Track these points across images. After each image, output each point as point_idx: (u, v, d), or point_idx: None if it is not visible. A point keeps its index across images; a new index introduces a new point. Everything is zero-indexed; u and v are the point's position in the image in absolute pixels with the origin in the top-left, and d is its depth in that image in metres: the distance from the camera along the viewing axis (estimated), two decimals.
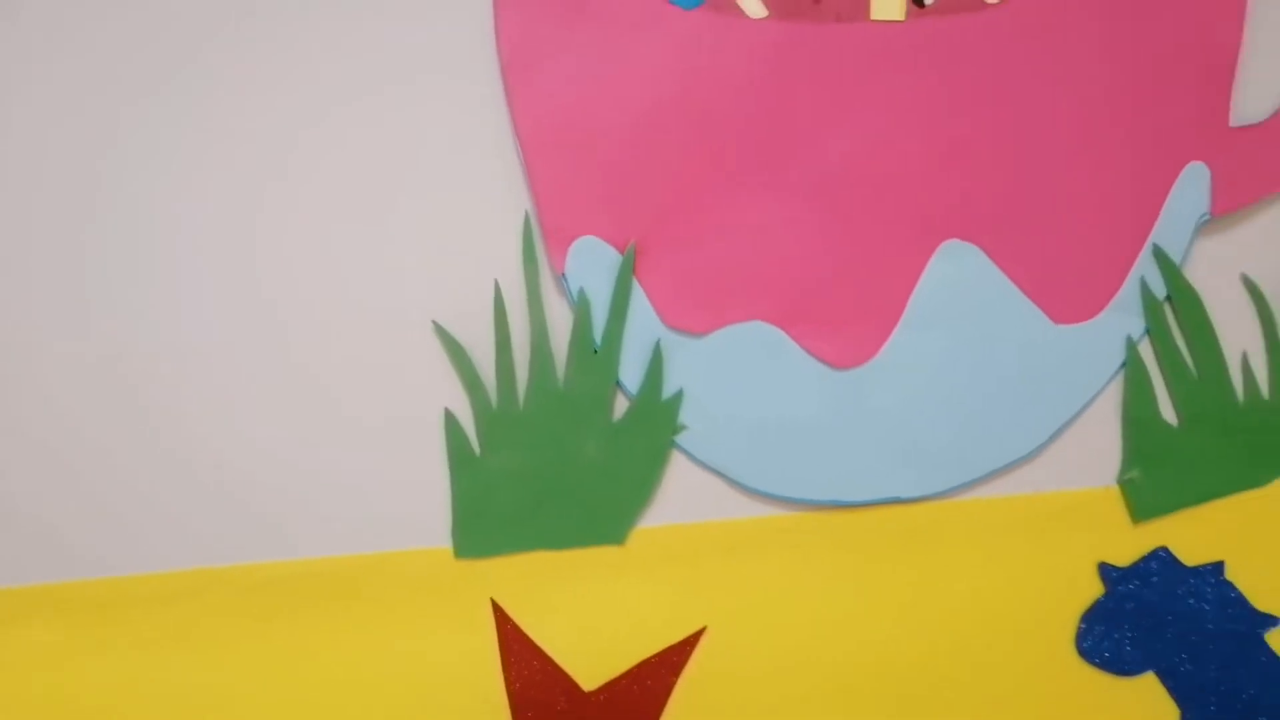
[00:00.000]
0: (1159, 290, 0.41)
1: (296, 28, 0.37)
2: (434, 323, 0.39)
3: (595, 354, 0.39)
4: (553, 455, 0.39)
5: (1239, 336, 0.42)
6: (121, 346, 0.38)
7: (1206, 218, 0.41)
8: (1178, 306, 0.41)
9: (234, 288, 0.38)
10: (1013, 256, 0.40)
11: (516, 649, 0.39)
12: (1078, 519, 0.42)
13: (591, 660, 0.40)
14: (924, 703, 0.42)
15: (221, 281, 0.38)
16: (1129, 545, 0.42)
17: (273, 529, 0.39)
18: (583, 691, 0.40)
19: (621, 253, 0.39)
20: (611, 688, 0.40)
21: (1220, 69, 0.40)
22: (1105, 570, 0.42)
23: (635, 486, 0.40)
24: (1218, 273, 0.41)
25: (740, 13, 0.38)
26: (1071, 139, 0.40)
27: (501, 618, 0.39)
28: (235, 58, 0.37)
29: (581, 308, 0.39)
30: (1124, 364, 0.41)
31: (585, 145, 0.38)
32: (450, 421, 0.39)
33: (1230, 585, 0.43)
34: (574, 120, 0.38)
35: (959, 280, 0.40)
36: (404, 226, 0.39)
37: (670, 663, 0.40)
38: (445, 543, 0.40)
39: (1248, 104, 0.40)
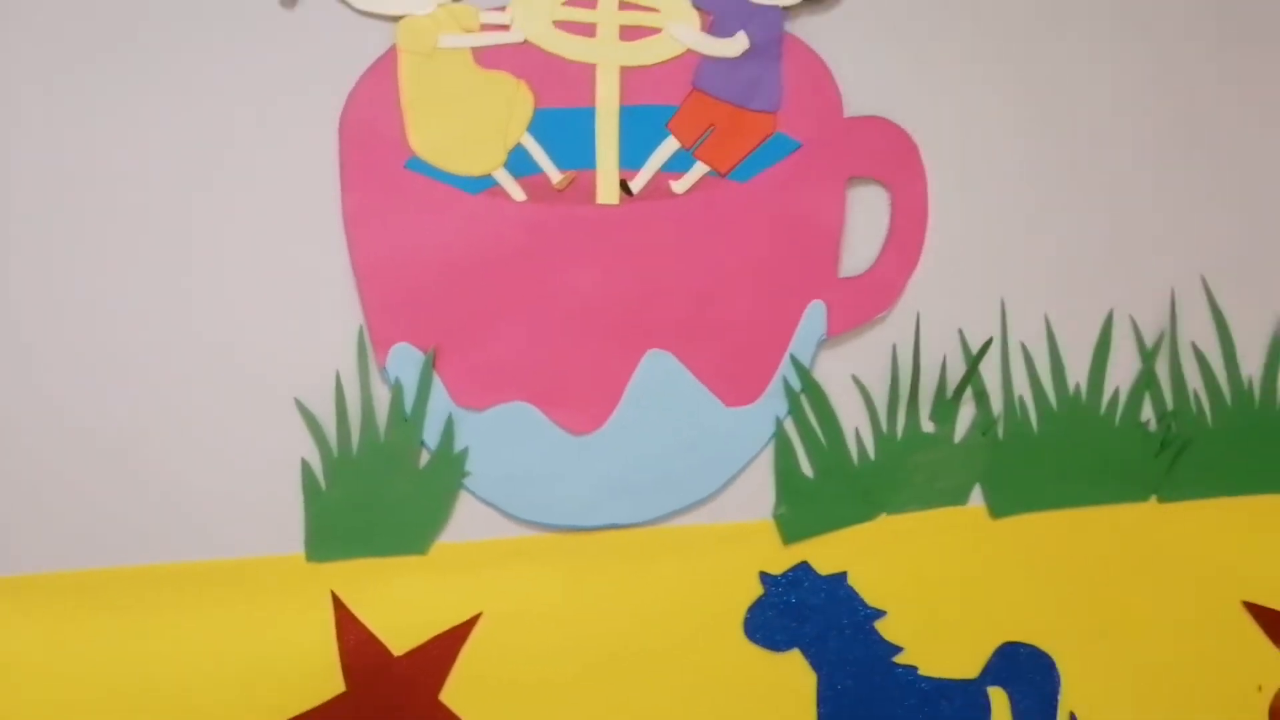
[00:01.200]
0: (795, 385, 0.62)
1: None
2: (296, 400, 0.58)
3: (406, 421, 0.59)
4: (376, 490, 0.59)
5: (850, 415, 0.63)
6: None
7: (824, 337, 0.63)
8: (809, 396, 0.63)
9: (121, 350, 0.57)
10: (696, 360, 0.62)
11: (347, 625, 0.58)
12: (746, 541, 0.63)
13: (401, 634, 0.59)
14: (642, 674, 0.62)
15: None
16: (782, 560, 0.63)
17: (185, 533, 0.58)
18: (393, 655, 0.59)
19: (425, 354, 0.59)
20: (414, 653, 0.59)
21: (831, 242, 0.62)
22: (764, 578, 0.63)
23: (434, 513, 0.60)
24: (835, 373, 0.63)
25: (508, 197, 0.59)
26: (734, 283, 0.61)
27: (338, 604, 0.58)
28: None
29: (396, 390, 0.59)
30: (774, 434, 0.63)
31: (402, 280, 0.59)
32: (305, 466, 0.58)
33: (849, 588, 0.64)
34: (394, 262, 0.59)
35: (659, 376, 0.61)
36: (274, 330, 0.58)
37: (457, 635, 0.59)
38: (301, 550, 0.59)
39: (850, 263, 0.62)
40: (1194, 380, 0.66)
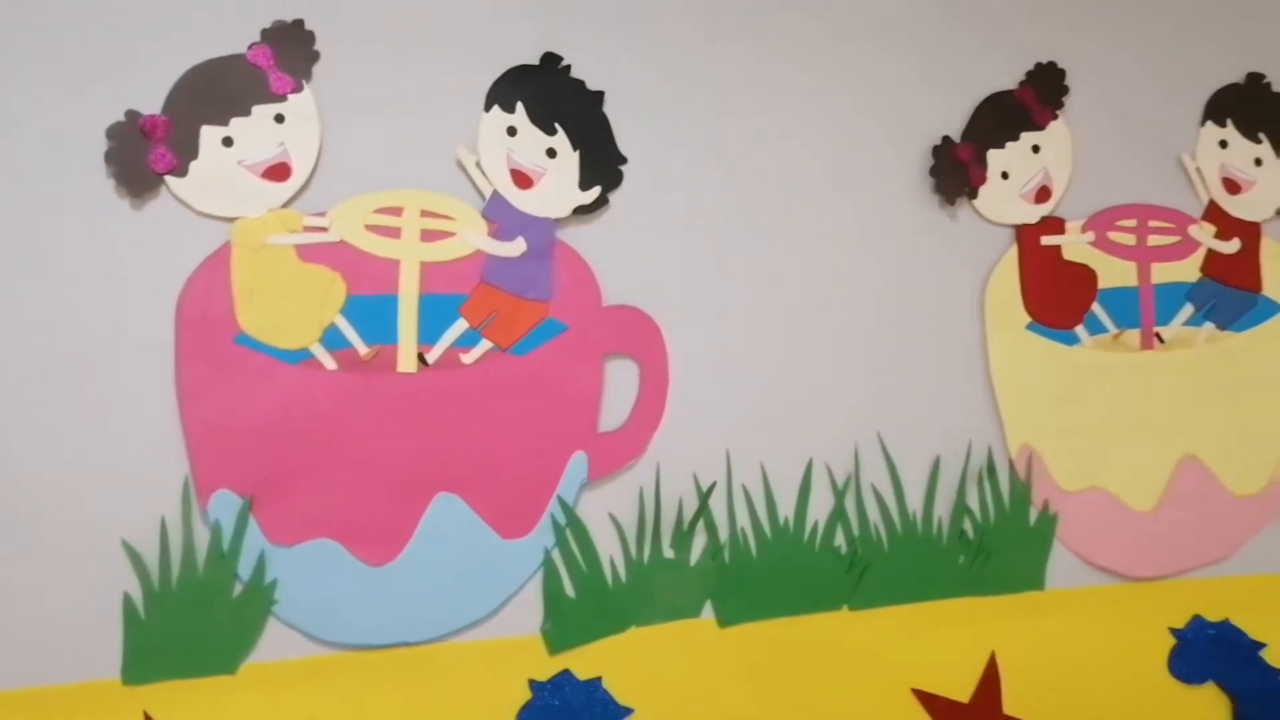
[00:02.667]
0: (561, 520, 0.79)
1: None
2: (122, 540, 0.69)
3: (223, 557, 0.71)
4: (192, 618, 0.70)
5: (606, 545, 0.80)
6: None
7: (586, 481, 0.80)
8: (572, 530, 0.79)
9: None
10: (478, 501, 0.78)
11: None
12: (518, 654, 0.78)
13: None
14: None
15: None
16: (548, 669, 0.79)
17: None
18: None
19: (243, 499, 0.71)
20: None
21: (591, 404, 0.80)
22: (532, 684, 0.78)
23: (244, 638, 0.72)
24: (594, 511, 0.80)
25: (321, 366, 0.74)
26: (511, 437, 0.78)
27: None
28: None
29: (215, 530, 0.71)
30: (543, 562, 0.79)
31: (226, 436, 0.72)
32: (127, 599, 0.69)
33: (604, 690, 0.79)
34: (220, 421, 0.72)
35: (446, 514, 0.76)
36: (106, 480, 0.69)
37: None
38: (117, 674, 0.69)
39: (606, 421, 0.80)
40: (874, 514, 0.87)
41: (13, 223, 0.70)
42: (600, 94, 0.82)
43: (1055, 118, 0.92)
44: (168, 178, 0.73)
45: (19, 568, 0.68)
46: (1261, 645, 0.91)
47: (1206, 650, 0.91)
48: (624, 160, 0.83)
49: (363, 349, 0.76)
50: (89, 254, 0.71)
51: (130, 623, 0.69)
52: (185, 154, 0.73)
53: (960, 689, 0.87)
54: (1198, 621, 0.91)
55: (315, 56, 0.77)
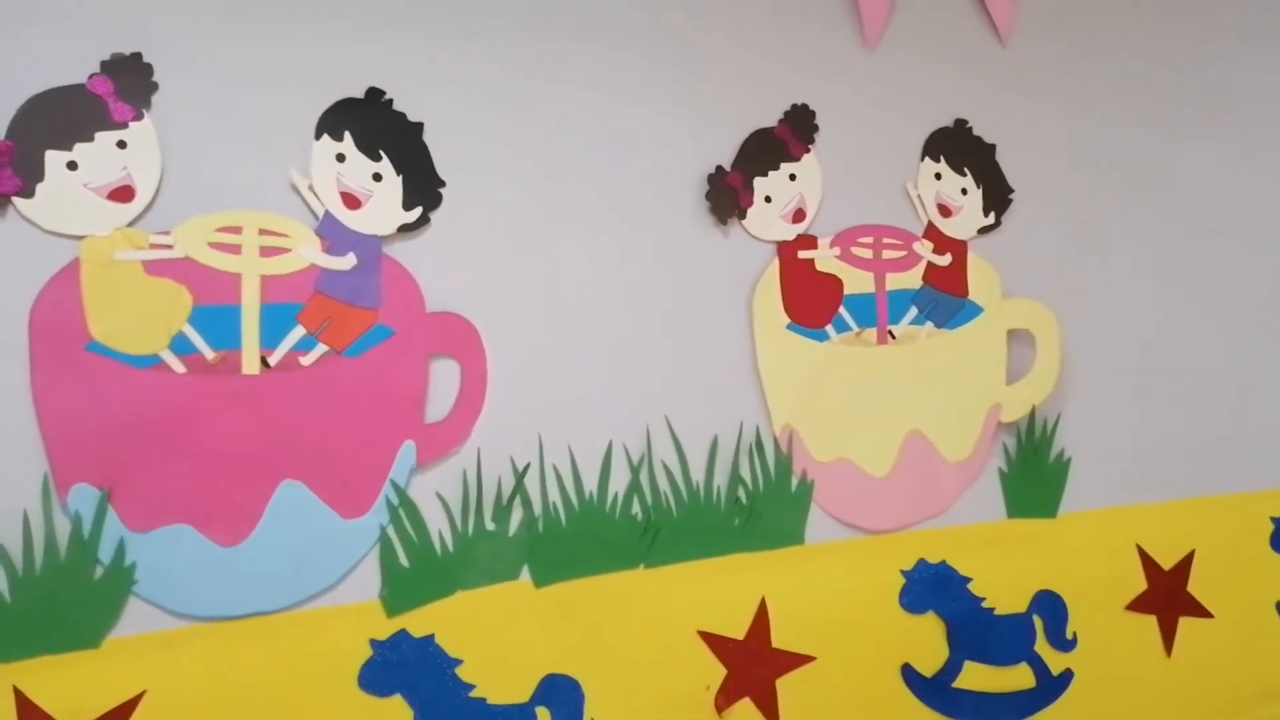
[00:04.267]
0: (394, 501, 0.94)
1: None
2: None
3: (84, 544, 0.81)
4: (56, 600, 0.81)
5: (435, 520, 0.96)
6: None
7: (415, 466, 0.96)
8: (404, 509, 0.95)
9: None
10: (320, 486, 0.92)
11: (27, 711, 0.79)
12: (360, 618, 0.93)
13: (78, 714, 0.80)
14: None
15: None
16: (386, 629, 0.94)
17: None
18: None
19: (101, 491, 0.82)
20: None
21: (419, 399, 0.96)
22: (373, 643, 0.93)
23: (107, 615, 0.83)
24: (423, 491, 0.96)
25: (171, 370, 0.85)
26: (347, 429, 0.93)
27: (19, 694, 0.79)
28: None
29: (76, 520, 0.82)
30: (379, 538, 0.94)
31: (81, 434, 0.83)
32: None
33: (436, 646, 0.95)
34: (75, 422, 0.83)
35: (291, 499, 0.90)
36: None
37: (124, 711, 0.82)
38: None
39: (432, 413, 0.96)
40: (664, 485, 1.08)
41: None
42: (420, 124, 0.98)
43: (808, 151, 1.16)
44: (15, 199, 0.83)
45: None
46: (968, 580, 1.18)
47: (928, 586, 1.17)
48: (442, 183, 0.99)
49: (209, 354, 0.88)
50: None
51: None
52: (31, 177, 0.83)
53: (737, 628, 1.09)
54: (921, 564, 1.17)
55: (154, 86, 0.88)
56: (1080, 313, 1.25)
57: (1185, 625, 1.27)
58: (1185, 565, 1.28)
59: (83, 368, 0.84)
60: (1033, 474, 1.24)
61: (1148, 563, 1.27)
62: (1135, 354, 1.29)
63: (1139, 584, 1.26)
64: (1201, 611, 1.28)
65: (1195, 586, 1.28)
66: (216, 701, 0.86)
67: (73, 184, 0.85)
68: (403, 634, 0.95)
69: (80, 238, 0.84)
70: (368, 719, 0.92)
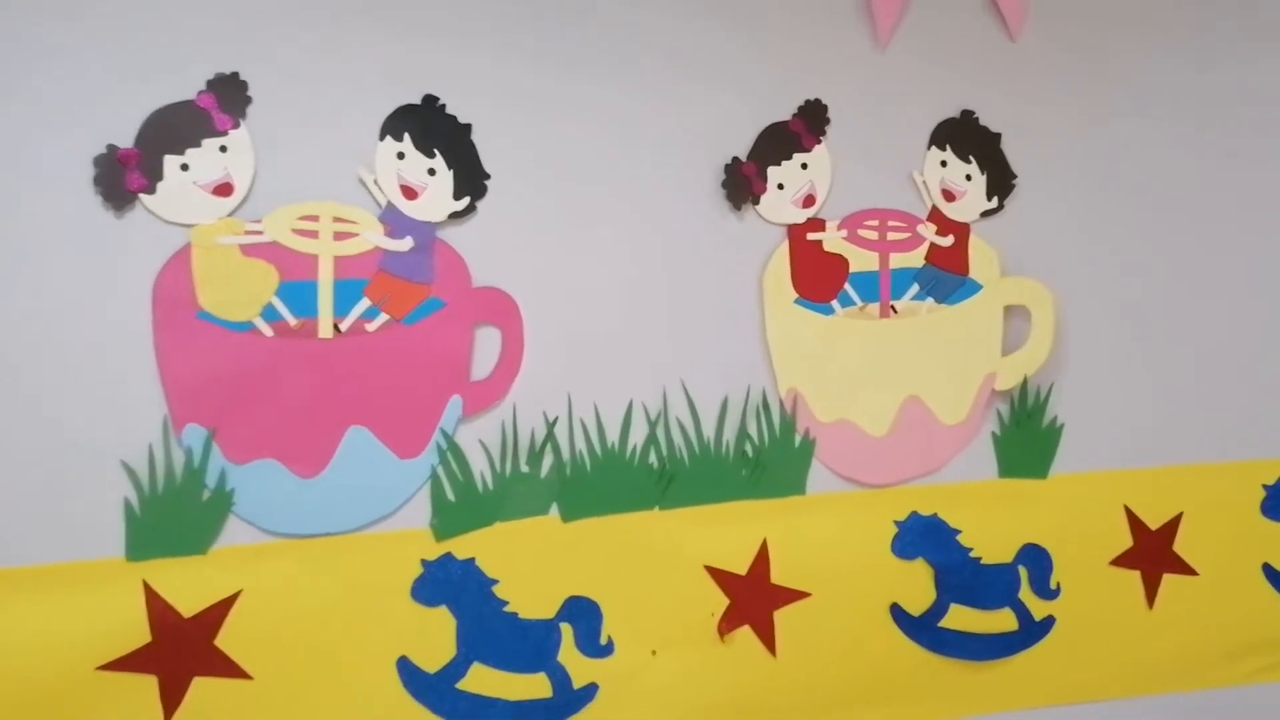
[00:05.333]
0: (444, 446, 1.15)
1: None
2: (121, 460, 1.02)
3: (194, 472, 1.05)
4: (173, 516, 1.05)
5: (478, 463, 1.17)
6: None
7: (462, 416, 1.16)
8: (451, 453, 1.16)
9: None
10: (382, 431, 1.14)
11: (152, 599, 1.04)
12: (414, 541, 1.15)
13: (189, 604, 1.05)
14: (342, 624, 1.11)
15: None
16: (435, 551, 1.16)
17: None
18: (184, 617, 1.04)
19: (208, 430, 1.05)
20: (198, 616, 1.05)
21: (465, 361, 1.17)
22: (424, 563, 1.15)
23: (211, 529, 1.07)
24: (469, 438, 1.16)
25: (262, 334, 1.08)
26: (405, 384, 1.14)
27: (147, 587, 1.03)
28: None
29: (188, 453, 1.06)
30: (430, 475, 1.15)
31: (192, 384, 1.06)
32: (126, 503, 1.03)
33: (477, 567, 1.16)
34: (187, 374, 1.05)
35: (358, 441, 1.12)
36: (109, 416, 1.02)
37: (224, 605, 1.06)
38: (123, 555, 1.03)
39: (477, 372, 1.17)
40: (678, 439, 1.26)
41: (21, 231, 1.03)
42: (468, 125, 1.17)
43: (820, 142, 1.31)
44: (141, 195, 1.05)
45: (49, 479, 1.02)
46: (958, 531, 1.34)
47: (919, 536, 1.34)
48: (487, 176, 1.18)
49: (293, 321, 1.10)
50: (83, 254, 1.04)
51: (130, 519, 1.04)
52: (153, 177, 1.06)
53: (740, 565, 1.28)
54: (914, 516, 1.34)
55: (249, 100, 1.10)
56: (1077, 290, 1.38)
57: (1169, 582, 1.40)
58: (1172, 526, 1.41)
59: (193, 332, 1.07)
60: (1025, 437, 1.38)
61: (1135, 522, 1.40)
62: (1130, 329, 1.41)
63: (1125, 541, 1.40)
64: (1186, 569, 1.41)
65: (1181, 547, 1.41)
66: (296, 602, 1.10)
67: (185, 182, 1.07)
68: (449, 556, 1.17)
69: (191, 226, 1.07)
70: (417, 624, 1.15)
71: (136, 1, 1.06)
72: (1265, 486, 1.44)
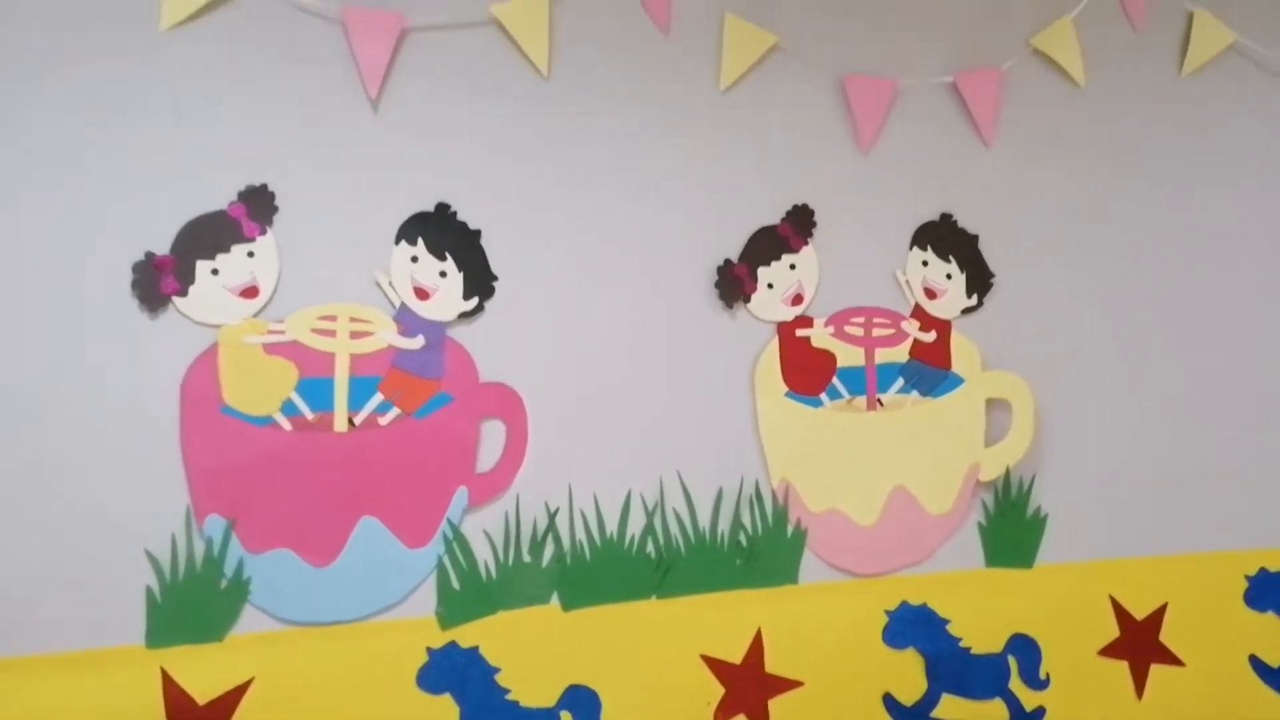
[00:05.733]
0: (450, 535, 1.21)
1: None
2: (145, 550, 1.08)
3: (213, 561, 1.11)
4: (192, 603, 1.10)
5: (482, 552, 1.23)
6: None
7: (468, 507, 1.23)
8: (457, 543, 1.22)
9: None
10: (392, 521, 1.20)
11: (169, 685, 1.08)
12: (419, 630, 1.20)
13: (204, 691, 1.09)
14: (350, 708, 1.15)
15: None
16: (440, 640, 1.21)
17: None
18: (198, 704, 1.09)
19: (227, 520, 1.12)
20: (212, 702, 1.10)
21: (472, 453, 1.24)
22: (430, 651, 1.20)
23: (228, 617, 1.13)
24: (474, 528, 1.23)
25: (281, 428, 1.15)
26: (414, 476, 1.20)
27: (164, 673, 1.08)
28: None
29: (209, 543, 1.12)
30: (437, 565, 1.21)
31: (214, 476, 1.12)
32: (149, 590, 1.09)
33: (480, 656, 1.21)
34: (210, 466, 1.12)
35: (369, 531, 1.18)
36: (135, 506, 1.08)
37: (238, 691, 1.11)
38: (142, 642, 1.08)
39: (482, 464, 1.23)
40: (675, 529, 1.32)
41: (62, 329, 1.11)
42: (478, 231, 1.27)
43: (807, 244, 1.41)
44: (174, 298, 1.14)
45: (77, 567, 1.08)
46: (947, 621, 1.39)
47: (910, 625, 1.39)
48: (495, 278, 1.27)
49: (310, 415, 1.18)
50: (118, 352, 1.12)
51: (151, 607, 1.10)
52: (186, 281, 1.15)
53: (735, 654, 1.32)
54: (904, 605, 1.39)
55: (275, 209, 1.19)
56: (1056, 383, 1.47)
57: (1157, 672, 1.45)
58: (1158, 616, 1.46)
59: (217, 426, 1.14)
60: (1010, 528, 1.44)
61: (1120, 613, 1.46)
62: (1108, 419, 1.49)
63: (1112, 631, 1.45)
64: (1173, 660, 1.46)
65: (1168, 637, 1.46)
66: (307, 688, 1.15)
67: (215, 286, 1.16)
68: (453, 644, 1.22)
69: (218, 326, 1.16)
70: (422, 712, 1.19)
71: (176, 119, 1.17)
72: (1247, 577, 1.50)
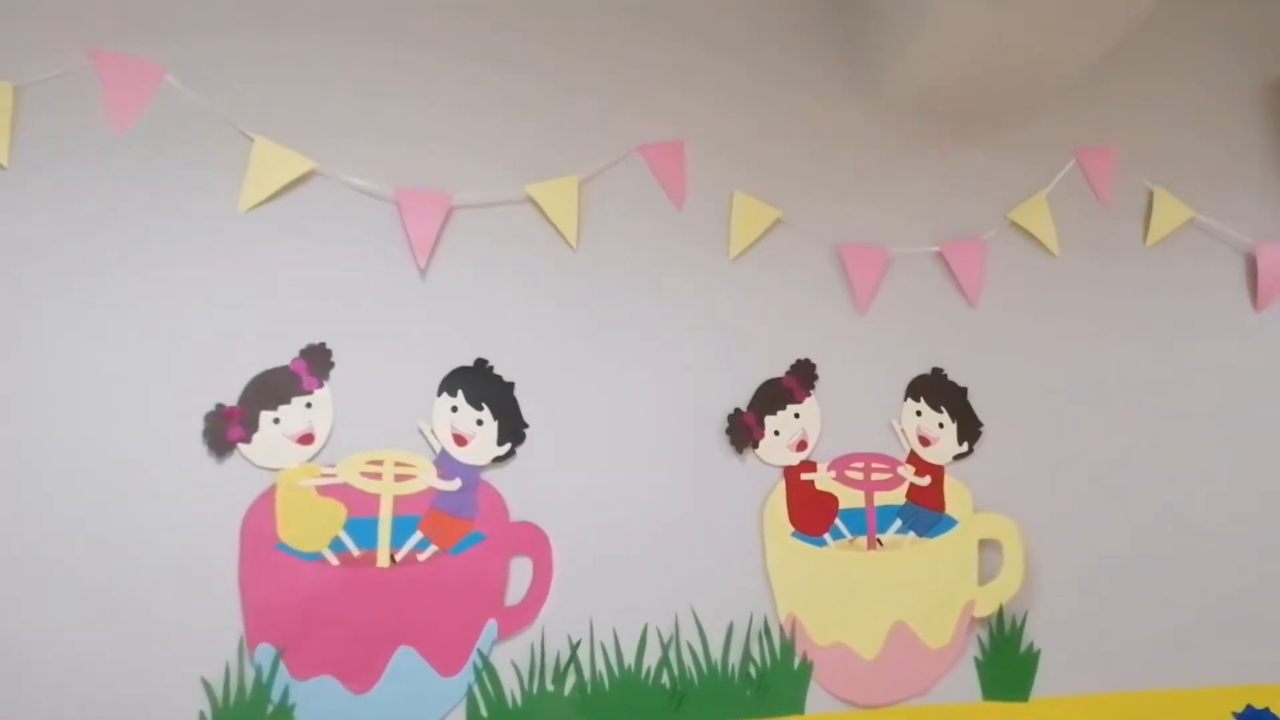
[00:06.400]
0: (479, 665, 1.28)
1: None
2: (201, 678, 1.16)
3: (262, 687, 1.18)
4: None
5: (509, 682, 1.29)
6: None
7: (497, 639, 1.30)
8: (486, 672, 1.28)
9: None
10: (426, 651, 1.27)
11: None
12: None
13: None
14: None
15: None
16: None
17: None
18: None
19: (276, 649, 1.19)
20: None
21: (501, 588, 1.31)
22: None
23: None
24: (502, 658, 1.29)
25: (329, 564, 1.23)
26: (450, 608, 1.28)
27: None
28: None
29: (258, 670, 1.19)
30: (466, 693, 1.27)
31: (267, 608, 1.20)
32: (202, 715, 1.15)
33: None
34: (264, 600, 1.20)
35: (405, 660, 1.25)
36: (191, 637, 1.16)
37: None
38: None
39: (511, 598, 1.31)
40: (689, 661, 1.38)
41: (137, 471, 1.21)
42: (512, 383, 1.38)
43: (810, 395, 1.51)
44: (240, 445, 1.24)
45: (138, 693, 1.15)
46: None
47: None
48: (526, 425, 1.38)
49: (356, 552, 1.27)
50: (190, 494, 1.22)
51: None
52: (250, 429, 1.26)
53: None
54: None
55: (332, 365, 1.31)
56: (1043, 523, 1.54)
57: None
58: None
59: (272, 562, 1.23)
60: (1005, 662, 1.50)
61: None
62: (1096, 557, 1.56)
63: None
64: None
65: None
66: None
67: (276, 433, 1.27)
68: None
69: (278, 470, 1.26)
70: None
71: (247, 285, 1.31)
72: (1234, 714, 1.54)
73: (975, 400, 1.58)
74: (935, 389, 1.57)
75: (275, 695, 1.21)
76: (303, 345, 1.31)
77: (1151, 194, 1.71)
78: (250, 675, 1.21)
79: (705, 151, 1.55)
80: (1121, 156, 1.73)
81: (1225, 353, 1.70)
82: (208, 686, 1.18)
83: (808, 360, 1.53)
